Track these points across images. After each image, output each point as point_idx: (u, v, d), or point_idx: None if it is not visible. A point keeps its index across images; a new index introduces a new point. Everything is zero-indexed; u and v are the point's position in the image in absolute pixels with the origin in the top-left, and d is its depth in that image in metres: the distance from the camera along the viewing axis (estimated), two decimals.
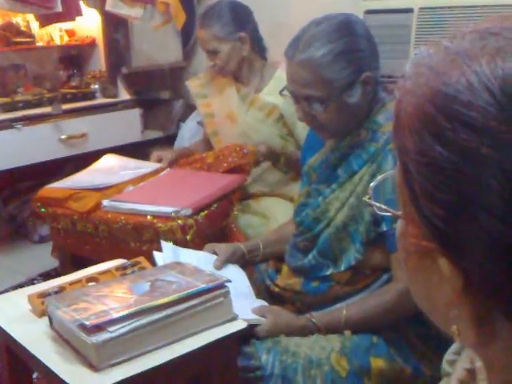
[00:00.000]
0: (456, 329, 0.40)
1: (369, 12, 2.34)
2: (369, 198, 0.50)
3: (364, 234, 1.31)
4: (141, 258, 1.38)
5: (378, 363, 1.28)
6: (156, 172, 2.06)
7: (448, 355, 1.15)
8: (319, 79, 1.29)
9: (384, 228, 1.28)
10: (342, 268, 1.35)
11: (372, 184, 0.51)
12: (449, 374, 1.12)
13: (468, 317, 0.38)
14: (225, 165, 2.01)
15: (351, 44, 1.30)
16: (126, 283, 1.18)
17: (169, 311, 1.06)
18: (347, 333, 1.31)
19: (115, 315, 1.03)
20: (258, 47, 2.18)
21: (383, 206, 0.48)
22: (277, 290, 1.48)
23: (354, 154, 1.36)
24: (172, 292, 1.09)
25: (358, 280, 1.36)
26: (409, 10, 2.19)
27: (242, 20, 2.14)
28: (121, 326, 1.02)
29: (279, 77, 2.09)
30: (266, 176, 2.14)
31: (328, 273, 1.38)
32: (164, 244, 1.48)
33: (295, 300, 1.43)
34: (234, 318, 1.12)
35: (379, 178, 0.52)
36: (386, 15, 2.30)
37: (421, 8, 2.16)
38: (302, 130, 1.98)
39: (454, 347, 1.15)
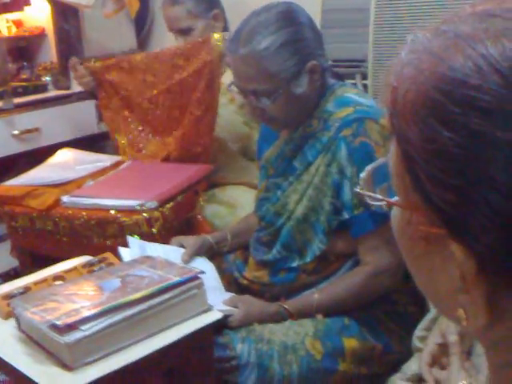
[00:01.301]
0: (463, 313, 0.40)
1: None
2: (361, 189, 0.50)
3: (325, 224, 1.32)
4: (108, 254, 1.35)
5: (350, 343, 1.31)
6: (116, 165, 2.02)
7: (418, 331, 1.18)
8: (264, 72, 1.28)
9: (346, 215, 1.29)
10: (308, 259, 1.36)
11: (362, 174, 0.50)
12: (420, 350, 1.15)
13: (479, 300, 0.38)
14: (195, 65, 1.93)
15: (293, 34, 1.29)
16: (95, 280, 1.16)
17: (143, 306, 1.04)
18: (319, 317, 1.33)
19: (87, 313, 1.00)
20: (225, 28, 2.15)
21: (378, 196, 0.47)
22: (245, 282, 1.48)
23: (307, 145, 1.36)
24: (145, 287, 1.07)
25: (323, 268, 1.37)
26: None
27: None
28: (94, 323, 1.00)
29: None
30: (232, 163, 2.11)
31: (294, 265, 1.38)
32: (130, 239, 1.46)
33: (264, 292, 1.43)
34: (209, 309, 1.11)
35: (368, 167, 0.51)
36: None
37: None
38: None
39: (423, 324, 1.18)
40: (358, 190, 0.49)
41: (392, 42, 1.98)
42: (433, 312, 1.15)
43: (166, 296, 1.05)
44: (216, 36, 1.91)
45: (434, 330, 1.10)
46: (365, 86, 2.23)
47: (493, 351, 0.42)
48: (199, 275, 1.10)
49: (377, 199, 0.47)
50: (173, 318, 1.07)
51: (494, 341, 0.41)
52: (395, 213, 0.44)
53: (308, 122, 1.37)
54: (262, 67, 1.27)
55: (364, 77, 2.24)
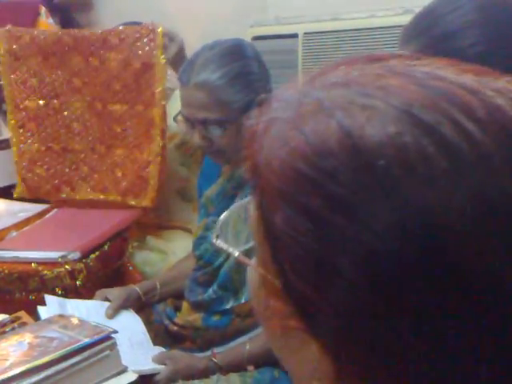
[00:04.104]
0: None
1: (256, 38, 2.36)
2: (216, 236, 0.44)
3: None
4: (21, 313, 1.26)
5: None
6: (42, 214, 1.92)
7: None
8: (216, 101, 1.28)
9: None
10: (243, 300, 1.33)
11: (221, 217, 0.45)
12: None
13: None
14: None
15: (244, 67, 1.31)
16: (3, 343, 1.07)
17: (49, 372, 0.96)
18: (250, 368, 1.27)
19: None
20: None
21: (236, 252, 0.43)
22: (176, 328, 1.42)
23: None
24: (52, 350, 0.99)
25: None
26: (294, 36, 2.23)
27: None
28: None
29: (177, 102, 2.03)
30: (168, 203, 2.04)
31: (228, 306, 1.34)
32: (48, 298, 1.36)
33: (196, 337, 1.38)
34: (124, 371, 1.03)
35: (225, 213, 0.46)
36: (273, 41, 2.32)
37: (305, 33, 2.20)
38: None
39: None
40: (213, 240, 0.44)
41: None
42: None
43: (74, 360, 0.97)
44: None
45: None
46: None
47: None
48: (112, 335, 1.03)
49: (232, 253, 0.42)
50: (83, 382, 0.99)
51: None
52: (250, 272, 0.40)
53: None
54: (214, 96, 1.28)
55: None
